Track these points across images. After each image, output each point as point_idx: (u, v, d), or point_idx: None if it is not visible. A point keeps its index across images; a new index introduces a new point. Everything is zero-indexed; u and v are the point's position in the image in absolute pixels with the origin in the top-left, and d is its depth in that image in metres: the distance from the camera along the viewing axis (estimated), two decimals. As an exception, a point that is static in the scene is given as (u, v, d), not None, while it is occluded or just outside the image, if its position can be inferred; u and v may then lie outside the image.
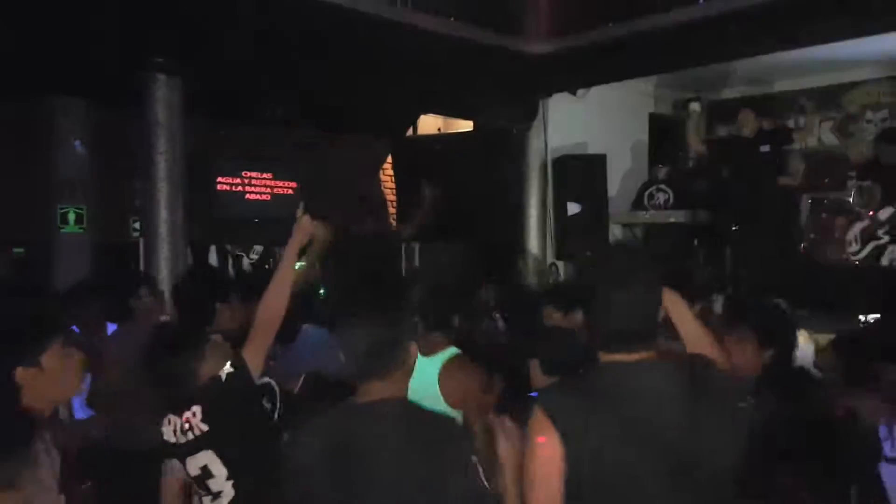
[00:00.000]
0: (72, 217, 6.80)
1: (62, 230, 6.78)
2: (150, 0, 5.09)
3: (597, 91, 7.83)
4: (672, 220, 7.53)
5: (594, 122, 8.05)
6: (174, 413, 2.44)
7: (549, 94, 7.84)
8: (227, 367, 2.46)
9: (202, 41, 5.33)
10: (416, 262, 8.28)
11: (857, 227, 6.02)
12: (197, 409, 2.41)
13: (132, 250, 6.46)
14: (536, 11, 7.44)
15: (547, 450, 1.65)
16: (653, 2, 6.47)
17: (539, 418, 1.69)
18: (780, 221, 6.24)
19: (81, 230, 6.87)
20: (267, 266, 10.34)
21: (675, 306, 2.09)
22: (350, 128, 8.58)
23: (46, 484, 1.51)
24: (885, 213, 5.75)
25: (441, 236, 6.05)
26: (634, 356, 1.72)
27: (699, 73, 8.00)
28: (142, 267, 5.55)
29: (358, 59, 6.15)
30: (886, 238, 5.77)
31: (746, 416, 2.47)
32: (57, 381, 1.94)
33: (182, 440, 2.42)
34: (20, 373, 1.86)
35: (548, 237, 8.00)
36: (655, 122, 9.28)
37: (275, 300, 2.62)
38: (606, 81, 7.77)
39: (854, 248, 6.03)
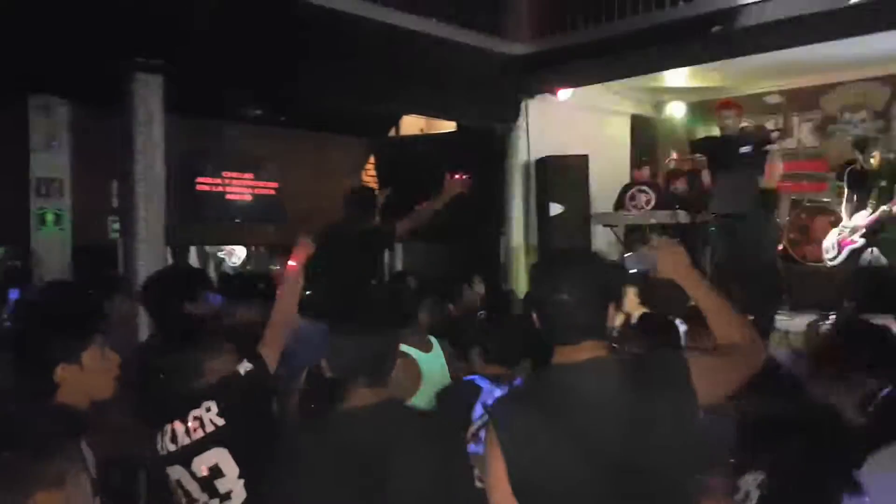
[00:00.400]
0: (50, 218, 6.72)
1: (40, 230, 6.70)
2: (131, -1, 5.06)
3: (579, 92, 7.85)
4: (653, 220, 7.55)
5: (576, 123, 8.07)
6: (173, 420, 2.40)
7: (532, 96, 7.86)
8: (246, 364, 2.48)
9: (182, 40, 5.30)
10: (399, 262, 8.27)
11: (833, 236, 6.07)
12: (211, 404, 2.37)
13: (111, 251, 6.40)
14: (519, 13, 7.47)
15: (494, 460, 1.68)
16: (634, 4, 6.51)
17: (489, 428, 1.73)
18: (760, 222, 6.26)
19: (60, 231, 6.79)
20: (248, 267, 10.30)
21: (695, 291, 1.95)
22: (331, 128, 8.55)
23: (84, 484, 1.50)
24: (860, 217, 5.80)
25: (423, 236, 6.06)
26: (583, 354, 1.73)
27: (680, 75, 8.05)
28: (120, 268, 5.49)
29: (339, 59, 6.13)
30: (862, 241, 5.82)
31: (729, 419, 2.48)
32: (95, 381, 1.98)
33: (186, 441, 2.37)
34: (61, 370, 1.90)
35: (530, 238, 8.01)
36: (637, 122, 9.34)
37: (285, 314, 2.77)
38: (589, 83, 7.80)
39: (831, 254, 6.09)
